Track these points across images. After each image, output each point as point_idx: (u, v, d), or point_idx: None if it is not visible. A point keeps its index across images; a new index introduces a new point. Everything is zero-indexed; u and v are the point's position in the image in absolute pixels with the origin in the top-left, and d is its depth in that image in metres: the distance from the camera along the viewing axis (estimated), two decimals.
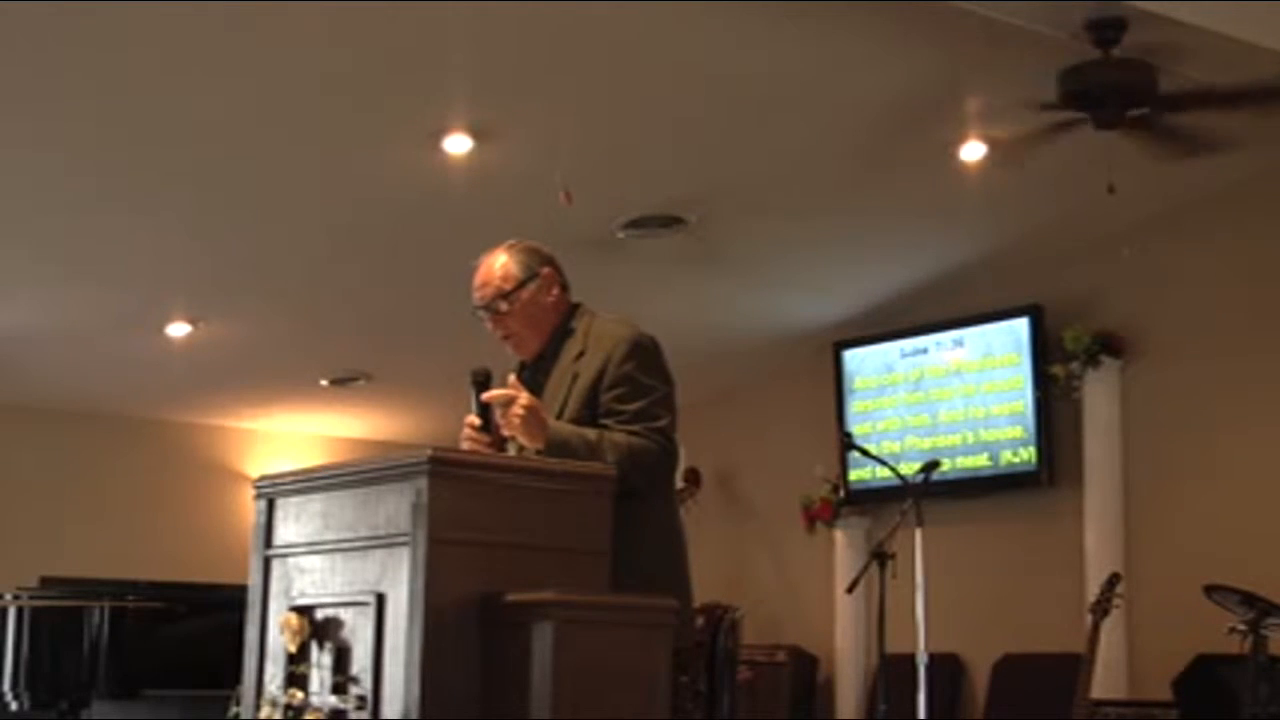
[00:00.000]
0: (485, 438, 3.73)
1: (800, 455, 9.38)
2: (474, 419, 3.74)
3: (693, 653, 3.85)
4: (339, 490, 3.39)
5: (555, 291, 3.89)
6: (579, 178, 6.47)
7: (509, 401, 3.63)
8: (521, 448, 3.73)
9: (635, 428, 3.67)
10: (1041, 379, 8.27)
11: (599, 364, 3.76)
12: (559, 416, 3.72)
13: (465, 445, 3.75)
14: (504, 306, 3.85)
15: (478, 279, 3.88)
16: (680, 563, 3.85)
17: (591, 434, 3.64)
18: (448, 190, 6.82)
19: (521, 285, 3.84)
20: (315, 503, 3.44)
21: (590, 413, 3.72)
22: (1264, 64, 5.80)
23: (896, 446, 8.78)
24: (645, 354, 3.79)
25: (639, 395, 3.72)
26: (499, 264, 3.86)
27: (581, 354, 3.81)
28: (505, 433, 3.69)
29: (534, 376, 3.88)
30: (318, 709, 3.29)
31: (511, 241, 3.92)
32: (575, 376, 3.78)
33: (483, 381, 3.75)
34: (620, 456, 3.58)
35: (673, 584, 3.69)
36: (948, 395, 8.70)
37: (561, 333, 3.88)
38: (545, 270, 3.88)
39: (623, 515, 3.48)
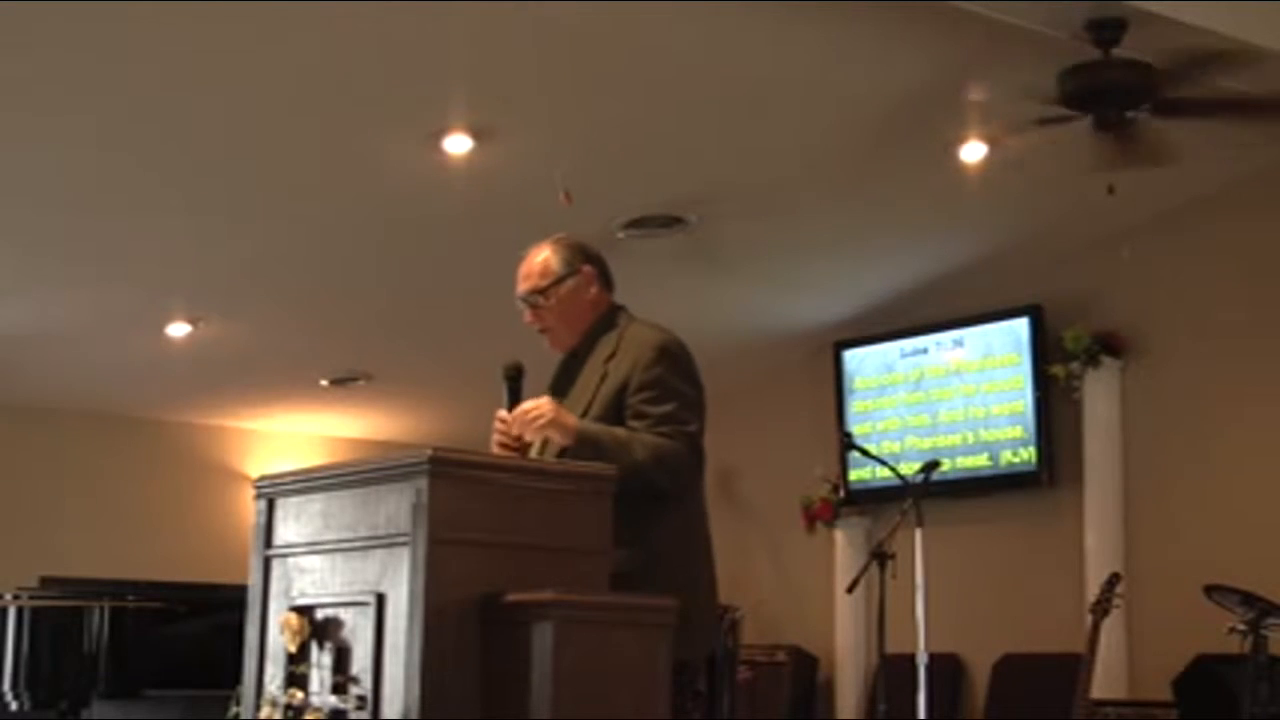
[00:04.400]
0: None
1: (800, 455, 9.38)
2: (504, 414, 3.76)
3: None
4: (339, 490, 3.39)
5: (594, 290, 3.91)
6: (579, 178, 6.47)
7: (532, 415, 3.66)
8: (544, 446, 3.75)
9: (664, 429, 3.68)
10: (1041, 379, 8.27)
11: (627, 367, 3.77)
12: (583, 415, 3.74)
13: (496, 438, 3.79)
14: (541, 301, 3.88)
15: (521, 271, 3.93)
16: (709, 568, 3.86)
17: (621, 432, 3.66)
18: (448, 190, 6.82)
19: (559, 281, 3.87)
20: (315, 503, 3.44)
21: (615, 415, 3.73)
22: (1265, 64, 5.80)
23: (896, 446, 8.78)
24: (674, 358, 3.79)
25: (667, 399, 3.72)
26: (540, 258, 3.90)
27: (613, 355, 3.82)
28: (527, 439, 3.71)
29: (568, 371, 3.92)
30: (318, 709, 3.29)
31: (559, 235, 3.96)
32: (604, 377, 3.80)
33: (514, 375, 3.79)
34: (649, 455, 3.60)
35: (699, 589, 3.73)
36: (948, 395, 8.70)
37: (598, 331, 3.90)
38: (586, 268, 3.90)
39: (652, 518, 3.53)
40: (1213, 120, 6.08)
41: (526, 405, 3.68)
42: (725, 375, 9.77)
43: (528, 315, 3.92)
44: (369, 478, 3.31)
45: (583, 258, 3.91)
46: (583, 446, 3.59)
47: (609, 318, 3.92)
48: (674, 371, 3.77)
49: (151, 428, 10.63)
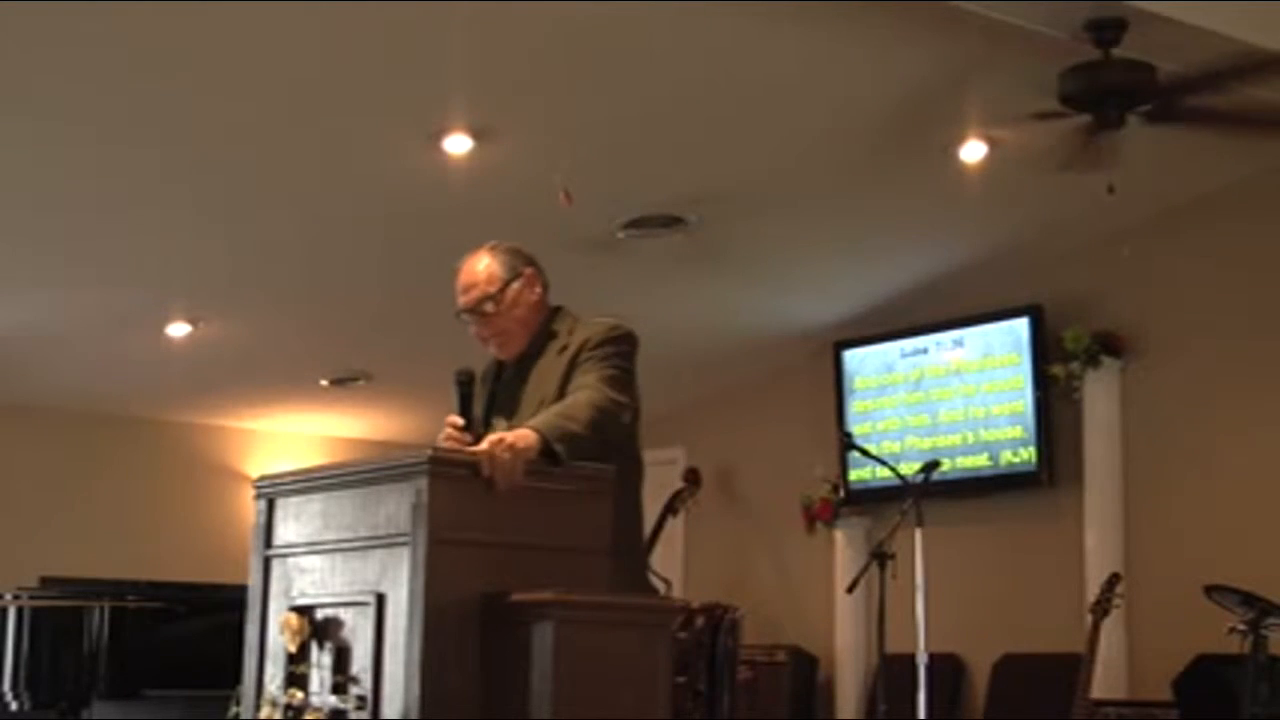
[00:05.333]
0: (468, 437, 3.73)
1: (800, 455, 9.38)
2: (457, 419, 3.73)
3: (693, 653, 3.87)
4: (339, 490, 3.39)
5: (538, 290, 3.94)
6: (579, 178, 6.47)
7: (506, 463, 3.32)
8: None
9: (608, 371, 3.71)
10: (1041, 379, 8.27)
11: (577, 347, 3.81)
12: (540, 407, 3.72)
13: (449, 445, 3.75)
14: (491, 308, 3.88)
15: (462, 282, 3.91)
16: (642, 540, 3.94)
17: (561, 405, 3.59)
18: (448, 190, 6.82)
19: (506, 285, 3.88)
20: (315, 503, 3.44)
21: (564, 395, 3.73)
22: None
23: (896, 446, 8.77)
24: (626, 338, 3.84)
25: (616, 359, 3.76)
26: (483, 265, 3.90)
27: (565, 349, 3.85)
28: (500, 484, 3.35)
29: (517, 375, 3.91)
30: (318, 709, 3.29)
31: (493, 243, 3.96)
32: (559, 368, 3.82)
33: (466, 381, 3.78)
34: (593, 412, 3.56)
35: (637, 560, 3.80)
36: (948, 395, 8.70)
37: (545, 334, 3.91)
38: (528, 270, 3.92)
39: (621, 503, 3.52)
40: (1207, 130, 6.09)
41: (497, 460, 3.28)
42: (725, 375, 9.82)
43: (474, 326, 3.91)
44: (369, 478, 3.31)
45: (523, 260, 3.93)
46: (550, 440, 3.42)
47: (552, 319, 3.95)
48: (624, 352, 3.80)
49: (151, 428, 10.63)
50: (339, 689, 3.26)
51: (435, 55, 5.82)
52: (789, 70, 6.10)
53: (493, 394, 3.97)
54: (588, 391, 3.64)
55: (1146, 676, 7.59)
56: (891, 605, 6.12)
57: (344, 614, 3.30)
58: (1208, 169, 7.24)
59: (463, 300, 3.90)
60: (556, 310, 3.98)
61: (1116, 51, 5.54)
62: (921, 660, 6.14)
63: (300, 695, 3.33)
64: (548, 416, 3.53)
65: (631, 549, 3.83)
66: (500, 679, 3.16)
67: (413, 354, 9.50)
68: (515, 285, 3.88)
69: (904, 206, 7.58)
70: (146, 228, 7.37)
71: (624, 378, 3.75)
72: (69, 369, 9.40)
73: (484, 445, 3.33)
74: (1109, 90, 5.61)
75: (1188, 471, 7.79)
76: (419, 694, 3.08)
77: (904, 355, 8.94)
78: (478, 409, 3.86)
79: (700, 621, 4.39)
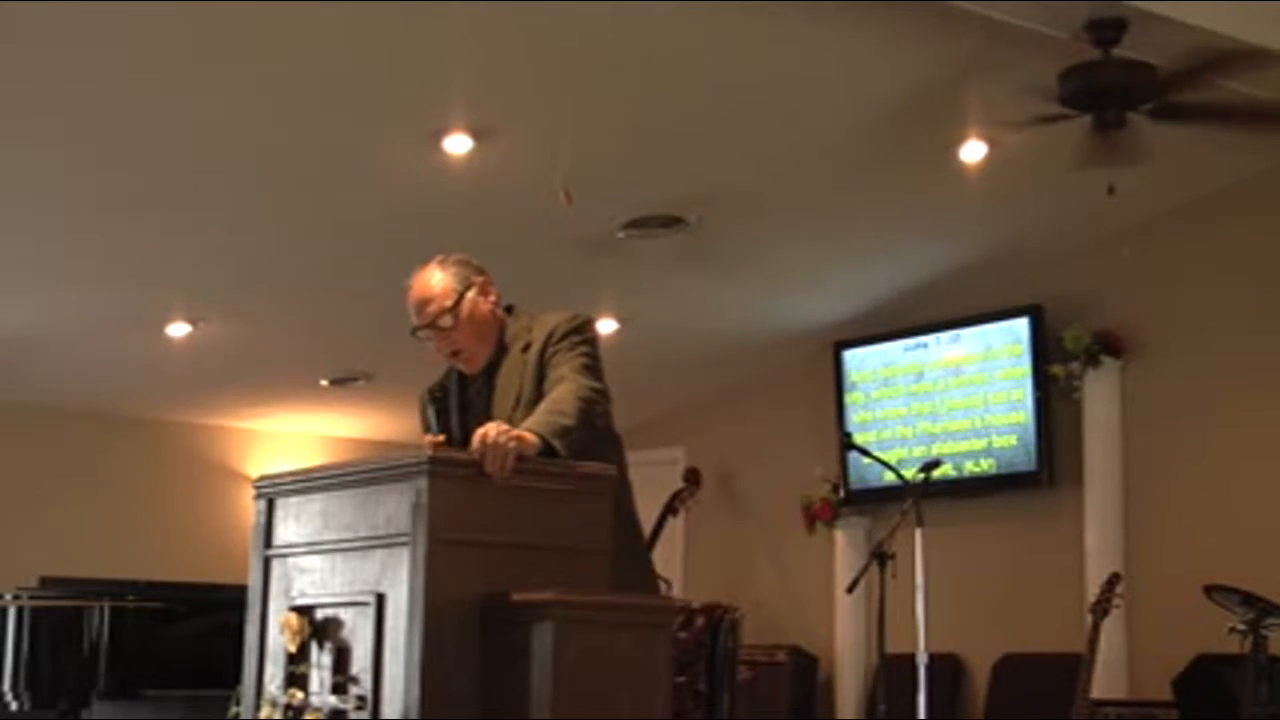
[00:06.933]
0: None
1: (800, 455, 9.38)
2: (438, 438, 3.70)
3: (693, 653, 3.87)
4: (339, 490, 3.39)
5: (492, 298, 3.91)
6: (579, 178, 6.47)
7: (500, 451, 3.31)
8: None
9: (580, 358, 3.72)
10: (1041, 379, 8.27)
11: (543, 340, 3.80)
12: (516, 404, 3.74)
13: None
14: (448, 321, 3.84)
15: (416, 299, 3.87)
16: (635, 508, 3.89)
17: (548, 404, 3.59)
18: (448, 190, 6.82)
19: (461, 296, 3.85)
20: (315, 503, 3.44)
21: (541, 390, 3.73)
22: (1265, 65, 5.81)
23: (896, 447, 8.77)
24: (589, 326, 3.85)
25: (585, 349, 3.77)
26: (436, 280, 3.87)
27: (528, 346, 3.84)
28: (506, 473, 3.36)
29: (485, 383, 3.89)
30: (318, 709, 3.29)
31: (440, 257, 3.93)
32: (525, 364, 3.81)
33: (442, 397, 3.78)
34: (580, 405, 3.57)
35: (639, 554, 3.80)
36: (948, 395, 8.70)
37: (504, 339, 3.89)
38: (479, 279, 3.90)
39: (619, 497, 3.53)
40: (1211, 126, 6.09)
41: (490, 440, 3.29)
42: (725, 375, 9.81)
43: (435, 342, 3.88)
44: (369, 478, 3.32)
45: (473, 269, 3.90)
46: (548, 438, 3.44)
47: (508, 322, 3.92)
48: (589, 338, 3.81)
49: (151, 428, 10.63)
50: (339, 689, 3.27)
51: (435, 55, 5.82)
52: (788, 70, 6.10)
53: (464, 406, 3.93)
54: (568, 383, 3.64)
55: (1146, 676, 7.59)
56: (891, 605, 6.11)
57: (344, 614, 3.30)
58: (1208, 169, 7.24)
59: (419, 318, 3.86)
60: (509, 310, 3.95)
61: (1116, 51, 5.54)
62: (921, 660, 6.14)
63: (300, 695, 3.33)
64: (539, 415, 3.53)
65: (626, 518, 3.82)
66: (500, 679, 3.16)
67: (413, 354, 9.47)
68: (470, 295, 3.86)
69: (904, 206, 7.58)
70: (146, 228, 7.36)
71: (595, 365, 3.76)
72: (69, 369, 9.40)
73: (480, 432, 3.31)
74: (1109, 90, 5.61)
75: (1188, 471, 7.79)
76: (419, 694, 3.08)
77: (904, 354, 8.95)
78: (453, 423, 3.86)
79: (700, 621, 4.40)
